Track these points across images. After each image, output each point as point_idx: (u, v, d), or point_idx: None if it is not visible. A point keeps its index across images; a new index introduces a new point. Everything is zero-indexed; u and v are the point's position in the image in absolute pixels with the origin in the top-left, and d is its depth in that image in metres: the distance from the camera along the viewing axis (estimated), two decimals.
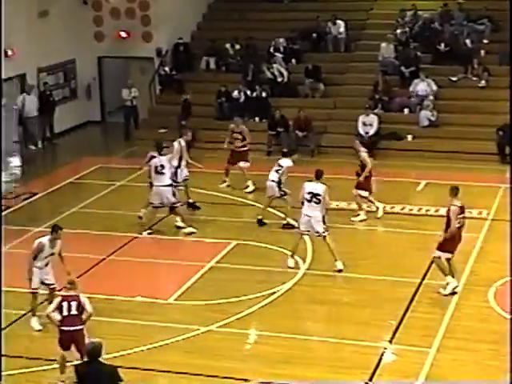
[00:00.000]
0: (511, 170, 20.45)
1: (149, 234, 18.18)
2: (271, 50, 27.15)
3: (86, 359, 10.10)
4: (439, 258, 14.89)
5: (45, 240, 14.00)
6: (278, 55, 26.95)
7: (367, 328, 13.88)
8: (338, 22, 27.40)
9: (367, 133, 24.21)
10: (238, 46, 27.79)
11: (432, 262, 15.35)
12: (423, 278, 15.51)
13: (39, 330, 13.83)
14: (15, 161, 25.13)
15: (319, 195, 15.93)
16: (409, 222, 18.76)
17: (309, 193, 16.03)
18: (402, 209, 19.34)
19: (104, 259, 16.98)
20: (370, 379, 12.31)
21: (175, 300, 15.16)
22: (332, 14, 27.48)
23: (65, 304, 12.08)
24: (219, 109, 26.07)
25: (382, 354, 13.09)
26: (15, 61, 24.62)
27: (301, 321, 14.46)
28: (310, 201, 15.99)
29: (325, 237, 16.01)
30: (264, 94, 25.96)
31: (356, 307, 14.69)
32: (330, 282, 15.75)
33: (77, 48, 27.46)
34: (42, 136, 26.16)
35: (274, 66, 26.60)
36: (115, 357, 12.66)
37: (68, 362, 12.13)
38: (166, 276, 16.61)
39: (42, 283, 14.09)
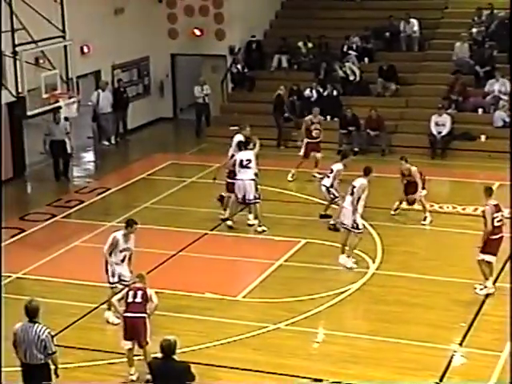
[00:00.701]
0: (511, 169, 20.06)
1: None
2: (345, 48, 27.05)
3: (160, 355, 10.10)
4: (482, 260, 14.75)
5: (119, 235, 14.07)
6: (352, 54, 26.83)
7: (436, 330, 13.75)
8: (412, 20, 27.14)
9: (440, 133, 23.96)
10: (310, 45, 27.76)
11: (504, 264, 15.13)
12: (495, 281, 15.27)
13: (116, 324, 13.78)
14: (89, 156, 25.57)
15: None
16: (481, 223, 18.47)
17: (352, 187, 16.35)
18: (475, 210, 19.07)
19: (174, 255, 17.14)
20: (440, 381, 12.20)
21: (244, 297, 15.23)
22: (405, 13, 27.26)
23: (130, 293, 12.29)
24: (290, 107, 26.07)
25: (452, 357, 12.95)
26: (90, 58, 24.99)
27: (368, 321, 14.39)
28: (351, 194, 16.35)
29: (352, 231, 16.17)
30: (336, 93, 25.89)
31: (425, 308, 14.56)
32: (399, 282, 15.64)
33: (151, 45, 27.76)
34: (115, 132, 26.54)
35: (347, 64, 26.49)
36: (184, 352, 12.75)
37: (136, 355, 12.31)
38: (235, 273, 16.70)
39: (119, 279, 14.09)
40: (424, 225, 18.43)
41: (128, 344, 12.28)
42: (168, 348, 9.93)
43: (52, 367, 10.72)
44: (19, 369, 10.99)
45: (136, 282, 12.53)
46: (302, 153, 21.74)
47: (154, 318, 12.68)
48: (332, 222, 18.13)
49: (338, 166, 18.31)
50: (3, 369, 11.48)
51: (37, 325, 10.59)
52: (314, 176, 21.50)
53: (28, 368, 10.67)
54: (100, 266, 14.76)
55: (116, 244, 13.99)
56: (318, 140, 21.94)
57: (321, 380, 12.35)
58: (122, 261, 14.06)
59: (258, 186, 18.54)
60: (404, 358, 12.94)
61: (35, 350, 10.52)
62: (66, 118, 22.44)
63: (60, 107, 20.15)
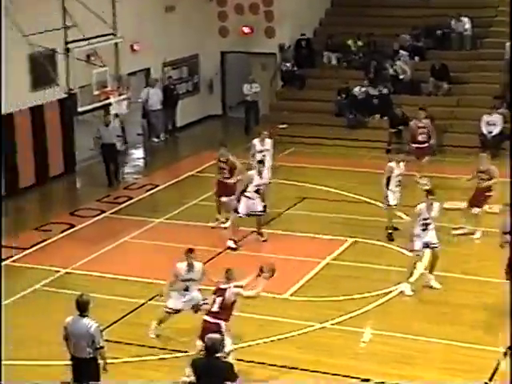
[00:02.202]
0: (511, 168, 19.69)
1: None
2: (395, 46, 26.86)
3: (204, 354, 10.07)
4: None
5: (181, 265, 13.28)
6: (404, 52, 26.63)
7: (486, 331, 13.58)
8: (463, 18, 26.87)
9: (490, 132, 23.69)
10: (360, 43, 27.64)
11: None
12: None
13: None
14: (138, 153, 25.74)
15: None
16: None
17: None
18: None
19: (221, 252, 17.17)
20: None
21: (291, 295, 15.21)
22: (457, 11, 26.98)
23: (212, 297, 12.16)
24: (339, 105, 25.98)
25: (502, 359, 12.77)
26: (141, 55, 25.15)
27: (417, 321, 14.24)
28: None
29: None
30: (386, 91, 25.73)
31: (475, 310, 14.38)
32: (449, 283, 15.45)
33: (201, 43, 27.86)
34: (164, 129, 26.68)
35: (397, 63, 26.32)
36: (231, 350, 12.79)
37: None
38: (283, 271, 16.55)
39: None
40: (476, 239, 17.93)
41: (200, 346, 12.23)
42: (213, 347, 9.91)
43: (100, 362, 10.80)
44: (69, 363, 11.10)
45: (225, 279, 12.23)
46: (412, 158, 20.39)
47: (199, 316, 12.67)
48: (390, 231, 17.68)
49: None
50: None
51: (86, 319, 10.68)
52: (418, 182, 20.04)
53: (77, 361, 10.77)
54: (149, 261, 14.87)
55: (179, 274, 13.22)
56: (425, 145, 21.16)
57: (368, 380, 12.28)
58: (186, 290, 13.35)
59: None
60: (452, 359, 12.81)
61: (84, 343, 10.60)
62: (117, 115, 22.63)
63: (110, 106, 20.36)
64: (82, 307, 10.73)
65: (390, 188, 17.54)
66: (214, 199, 18.68)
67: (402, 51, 26.70)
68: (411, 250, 15.31)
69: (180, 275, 13.17)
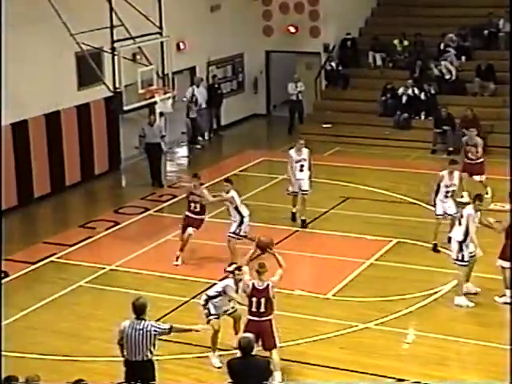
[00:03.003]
0: (511, 167, 19.33)
1: None
2: (441, 46, 26.66)
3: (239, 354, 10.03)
4: (500, 266, 14.51)
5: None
6: (452, 51, 26.39)
7: None
8: None
9: None
10: (406, 42, 27.48)
11: None
12: None
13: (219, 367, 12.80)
14: (182, 151, 25.86)
15: None
16: None
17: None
18: None
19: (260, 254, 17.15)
20: None
21: (333, 295, 15.18)
22: (505, 11, 26.70)
23: (254, 300, 12.02)
24: (384, 105, 25.86)
25: None
26: (186, 54, 25.28)
27: (460, 323, 14.15)
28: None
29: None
30: (431, 91, 25.55)
31: None
32: (494, 284, 15.31)
33: (245, 42, 27.91)
34: (209, 128, 26.77)
35: (443, 63, 26.12)
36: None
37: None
38: (325, 271, 16.64)
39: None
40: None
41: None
42: (247, 345, 9.84)
43: (156, 365, 10.65)
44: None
45: (259, 272, 12.10)
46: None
47: (242, 313, 12.70)
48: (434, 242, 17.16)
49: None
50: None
51: (144, 321, 10.52)
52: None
53: (134, 365, 10.57)
54: (191, 259, 14.93)
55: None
56: (476, 161, 19.79)
57: (403, 380, 12.23)
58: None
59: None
60: (496, 362, 12.66)
61: (143, 346, 10.45)
62: (162, 114, 22.73)
63: (155, 105, 20.46)
64: (139, 310, 10.54)
65: (438, 197, 17.00)
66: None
67: (449, 50, 26.46)
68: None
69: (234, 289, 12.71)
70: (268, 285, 12.07)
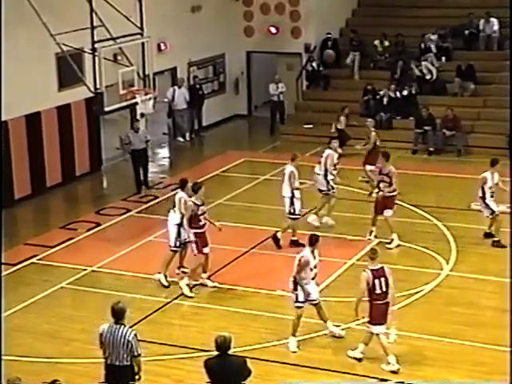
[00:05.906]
0: (511, 167, 19.49)
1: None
2: (422, 46, 26.74)
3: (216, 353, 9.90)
4: None
5: (307, 253, 13.23)
6: (431, 52, 26.47)
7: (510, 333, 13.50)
8: (492, 19, 26.70)
9: None
10: (386, 43, 27.56)
11: None
12: None
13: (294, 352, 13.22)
14: (164, 152, 25.82)
15: None
16: None
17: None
18: None
19: (246, 252, 17.21)
20: None
21: None
22: (486, 12, 26.83)
23: (376, 282, 12.50)
24: (365, 106, 25.92)
25: None
26: (167, 55, 25.25)
27: (441, 323, 14.19)
28: None
29: None
30: (412, 92, 25.63)
31: (499, 311, 14.31)
32: (473, 284, 15.41)
33: (226, 43, 27.92)
34: (190, 128, 26.75)
35: (423, 63, 26.22)
36: (254, 349, 12.84)
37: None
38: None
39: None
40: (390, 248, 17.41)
41: (378, 329, 12.62)
42: (223, 344, 9.74)
43: (135, 369, 10.57)
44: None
45: (371, 258, 12.67)
46: None
47: (224, 314, 12.71)
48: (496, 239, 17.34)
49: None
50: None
51: (123, 326, 10.44)
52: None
53: (113, 369, 10.51)
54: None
55: (306, 264, 13.17)
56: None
57: (386, 380, 12.26)
58: (313, 279, 13.33)
59: None
60: (477, 361, 12.75)
61: (122, 351, 10.38)
62: (143, 115, 22.68)
63: (136, 105, 20.43)
64: (119, 315, 10.45)
65: (486, 200, 17.16)
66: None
67: (431, 49, 26.53)
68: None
69: (310, 263, 13.15)
70: (383, 266, 12.59)
